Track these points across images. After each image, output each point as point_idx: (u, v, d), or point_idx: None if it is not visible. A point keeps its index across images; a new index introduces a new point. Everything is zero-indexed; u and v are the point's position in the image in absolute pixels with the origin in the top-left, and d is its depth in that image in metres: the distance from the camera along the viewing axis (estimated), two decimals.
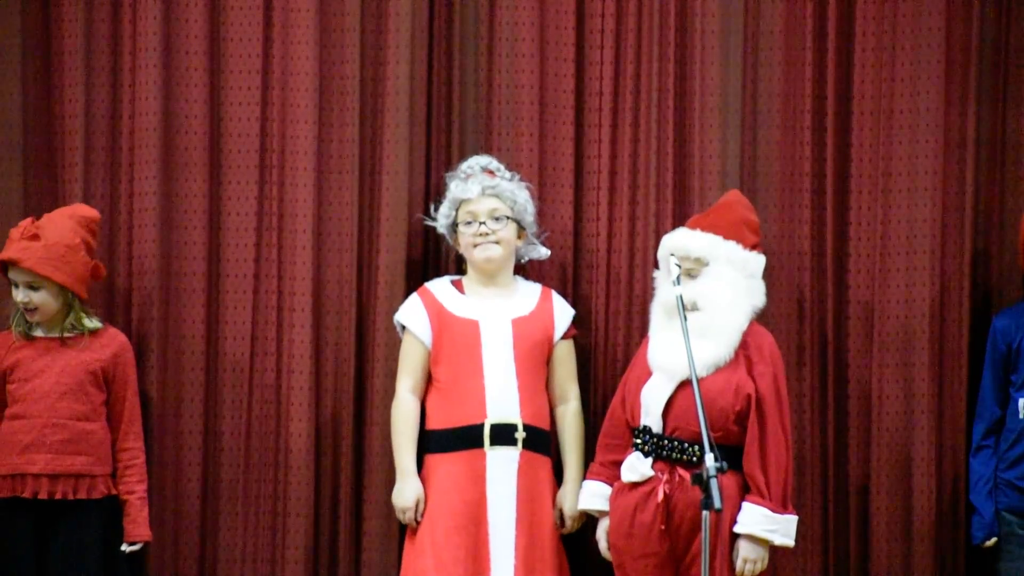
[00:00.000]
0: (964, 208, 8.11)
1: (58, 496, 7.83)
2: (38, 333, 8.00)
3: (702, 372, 7.54)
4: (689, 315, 7.38)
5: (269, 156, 8.34)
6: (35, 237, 7.94)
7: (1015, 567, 7.82)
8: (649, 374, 7.66)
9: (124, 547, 7.93)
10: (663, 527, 7.35)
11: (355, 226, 8.30)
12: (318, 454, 8.28)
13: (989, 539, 7.83)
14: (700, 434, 7.10)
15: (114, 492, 7.93)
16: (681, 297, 7.26)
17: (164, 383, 8.29)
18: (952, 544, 8.04)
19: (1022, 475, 7.80)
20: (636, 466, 7.48)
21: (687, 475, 7.43)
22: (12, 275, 7.97)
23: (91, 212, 8.18)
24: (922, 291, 8.06)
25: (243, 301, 8.31)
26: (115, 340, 8.05)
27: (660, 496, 7.27)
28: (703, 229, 7.68)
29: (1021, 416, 7.83)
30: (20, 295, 7.91)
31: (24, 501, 7.82)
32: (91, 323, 8.03)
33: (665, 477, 7.40)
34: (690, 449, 7.48)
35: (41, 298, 7.91)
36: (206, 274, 8.29)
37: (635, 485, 7.49)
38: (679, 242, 7.73)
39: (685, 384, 7.50)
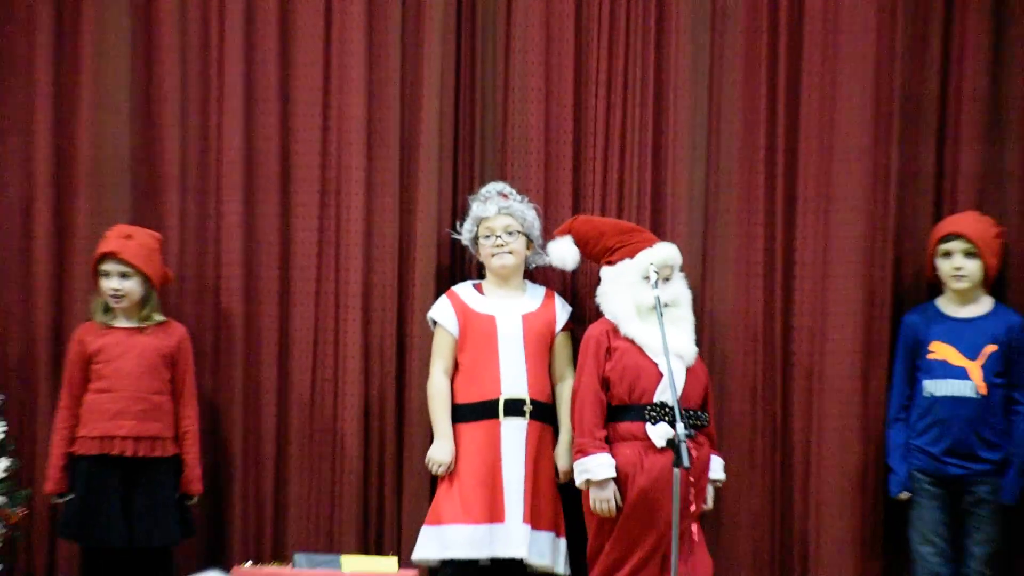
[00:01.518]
0: (887, 228, 8.75)
1: (140, 454, 8.52)
2: (118, 324, 8.64)
3: (694, 356, 8.44)
4: (665, 311, 8.22)
5: (328, 183, 9.04)
6: (129, 237, 8.58)
7: (923, 514, 8.47)
8: (651, 363, 8.26)
9: (183, 497, 8.61)
10: (690, 475, 8.03)
11: (396, 240, 8.96)
12: (367, 424, 8.96)
13: (903, 493, 8.52)
14: (698, 404, 8.35)
15: (178, 452, 8.63)
16: (659, 297, 8.16)
17: (246, 365, 8.98)
18: (874, 496, 8.64)
19: (930, 442, 8.45)
20: (664, 433, 8.15)
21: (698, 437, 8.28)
22: (107, 266, 8.57)
23: (157, 234, 8.76)
24: (855, 293, 8.70)
25: (307, 300, 9.00)
26: (178, 330, 8.76)
27: (684, 462, 7.40)
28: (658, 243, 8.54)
29: (925, 395, 8.48)
30: (113, 283, 8.55)
31: (112, 458, 8.48)
32: (159, 316, 8.71)
33: (690, 437, 7.89)
34: (695, 415, 8.30)
35: (130, 286, 8.55)
36: (279, 278, 8.99)
37: (663, 449, 8.14)
38: (667, 252, 8.44)
39: (688, 368, 8.37)
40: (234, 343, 9.00)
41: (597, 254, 8.63)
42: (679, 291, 8.46)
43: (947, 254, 8.59)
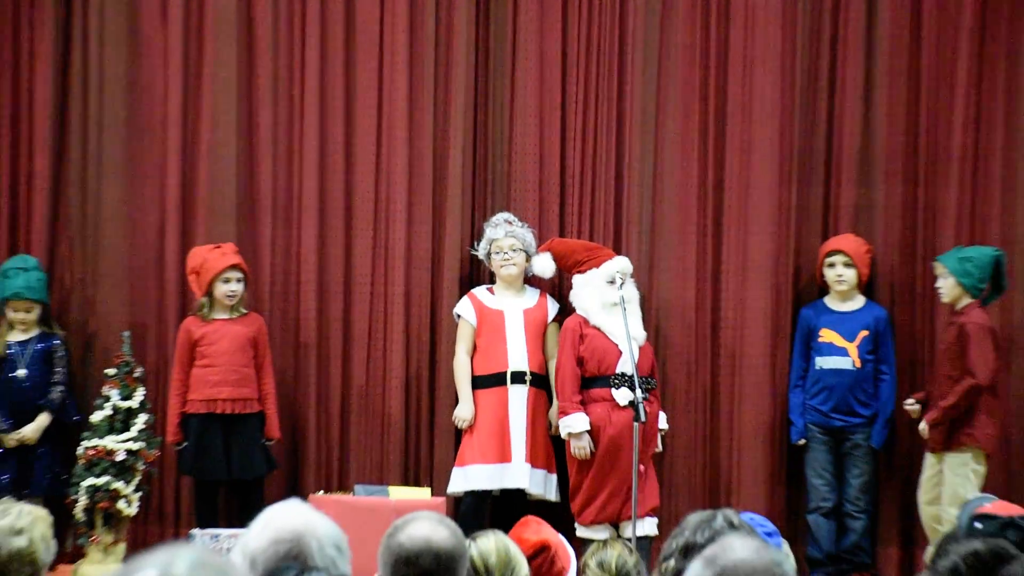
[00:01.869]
0: (788, 246, 9.04)
1: (236, 411, 8.75)
2: (216, 316, 8.78)
3: (643, 338, 8.70)
4: (625, 304, 8.41)
5: (379, 213, 9.21)
6: (237, 252, 8.84)
7: (815, 456, 8.79)
8: (612, 344, 8.51)
9: (265, 441, 8.81)
10: (644, 427, 8.08)
11: (429, 255, 9.15)
12: (407, 391, 9.14)
13: (800, 440, 8.87)
14: (647, 373, 8.60)
15: (262, 408, 8.81)
16: (623, 296, 8.47)
17: (318, 346, 9.18)
18: (780, 442, 8.97)
19: (820, 402, 8.78)
20: (627, 395, 8.39)
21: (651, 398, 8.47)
22: (230, 274, 8.70)
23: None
24: (765, 293, 9.01)
25: (364, 299, 9.19)
26: (257, 319, 8.94)
27: (641, 417, 7.78)
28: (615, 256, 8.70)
29: (817, 368, 8.79)
30: (233, 287, 8.73)
31: (216, 415, 8.72)
32: (243, 310, 8.87)
33: (644, 399, 8.06)
34: (646, 381, 8.49)
35: (241, 289, 8.80)
36: (342, 283, 9.21)
37: (624, 407, 8.39)
38: (623, 263, 8.70)
39: (640, 347, 8.57)
40: (310, 330, 9.16)
41: (570, 266, 8.78)
42: (631, 291, 8.69)
43: (831, 265, 8.82)
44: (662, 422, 8.76)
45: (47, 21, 9.17)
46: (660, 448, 8.80)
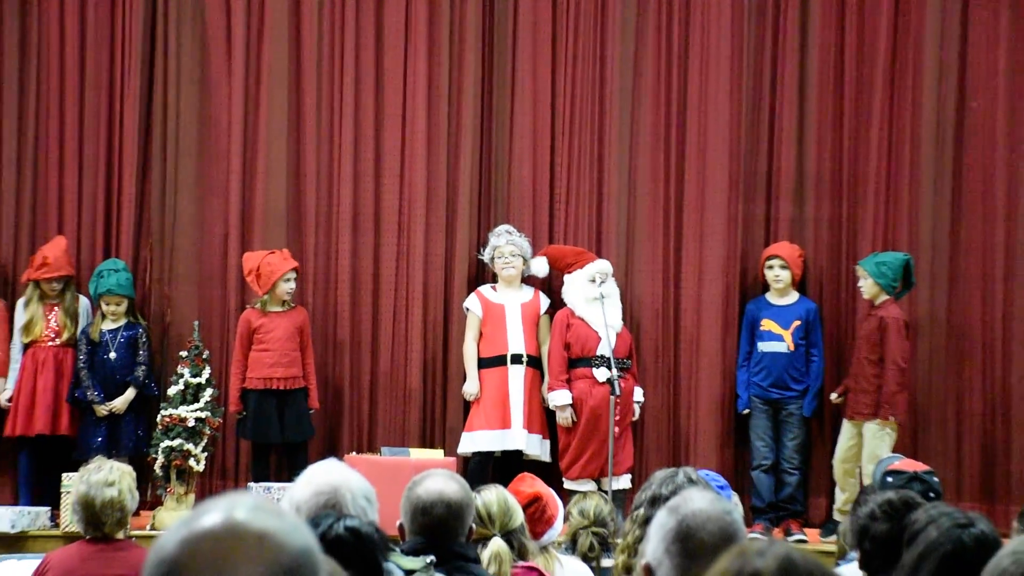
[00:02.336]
0: (736, 251, 9.01)
1: (288, 387, 8.72)
2: (270, 309, 8.73)
3: (620, 325, 8.70)
4: (603, 299, 8.50)
5: (403, 223, 9.18)
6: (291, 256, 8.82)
7: (757, 422, 8.75)
8: (594, 332, 8.50)
9: (308, 410, 8.76)
10: (619, 399, 8.16)
11: (443, 258, 9.13)
12: (424, 370, 9.10)
13: (745, 410, 8.83)
14: (624, 355, 8.63)
15: (305, 384, 8.77)
16: (601, 292, 8.55)
17: (351, 334, 9.13)
18: (729, 412, 8.94)
19: (761, 379, 8.76)
20: (605, 374, 8.38)
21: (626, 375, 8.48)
22: (290, 275, 8.67)
23: None
24: (718, 290, 8.99)
25: (389, 296, 9.15)
26: (303, 311, 8.89)
27: (616, 392, 7.99)
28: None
29: (759, 351, 8.78)
30: (292, 285, 8.72)
31: (271, 391, 8.69)
32: (292, 304, 8.81)
33: (620, 376, 8.26)
34: (621, 362, 8.51)
35: (295, 287, 8.69)
36: (372, 281, 9.16)
37: (602, 383, 8.40)
38: (603, 265, 8.73)
39: (617, 333, 8.59)
40: (344, 320, 9.13)
41: (562, 268, 8.79)
42: (611, 288, 8.68)
43: (770, 267, 8.78)
44: (638, 395, 8.74)
45: (135, 65, 9.14)
46: (636, 417, 8.76)
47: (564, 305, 8.80)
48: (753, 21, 8.98)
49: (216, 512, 2.01)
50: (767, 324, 8.82)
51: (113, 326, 8.83)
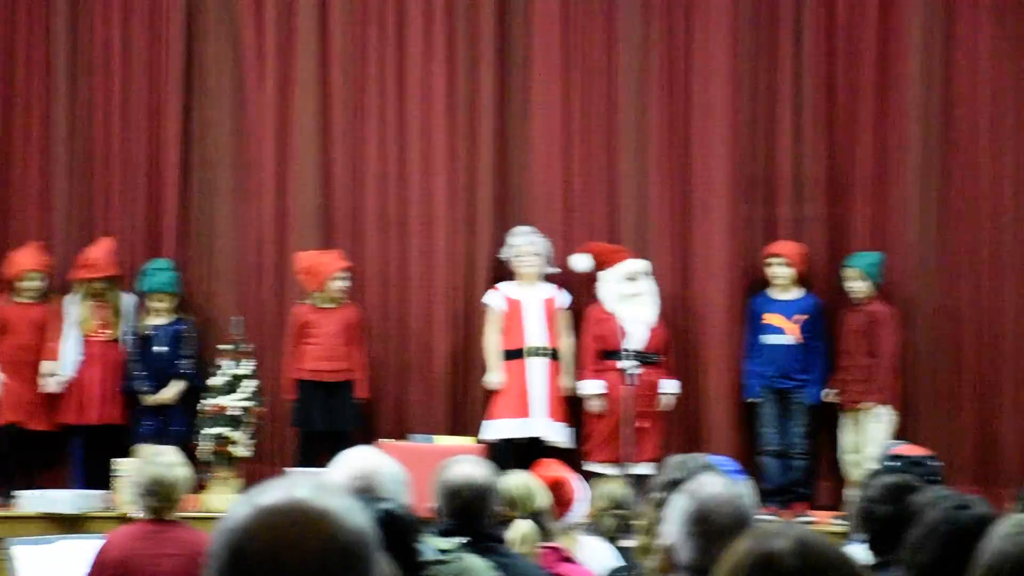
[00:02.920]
0: (742, 250, 8.98)
1: (336, 380, 8.74)
2: (322, 305, 8.69)
3: (655, 321, 8.64)
4: (633, 297, 8.54)
5: (426, 223, 9.11)
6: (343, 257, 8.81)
7: (765, 410, 8.70)
8: (621, 327, 8.45)
9: (356, 400, 8.73)
10: (642, 391, 8.30)
11: (465, 256, 9.13)
12: (451, 361, 9.08)
13: (752, 399, 8.77)
14: (654, 349, 8.62)
15: (351, 377, 8.74)
16: (636, 290, 8.54)
17: (381, 332, 8.99)
18: (738, 400, 8.86)
19: (767, 370, 8.73)
20: (630, 367, 8.38)
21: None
22: (342, 274, 8.69)
23: None
24: (725, 287, 8.97)
25: (415, 292, 9.13)
26: (354, 308, 8.85)
27: (632, 381, 8.17)
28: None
29: (765, 344, 8.73)
30: (343, 283, 8.70)
31: (320, 383, 8.71)
32: (343, 299, 8.79)
33: (643, 370, 8.40)
34: (647, 356, 8.54)
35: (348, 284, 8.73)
36: (398, 278, 9.14)
37: (628, 375, 8.40)
38: (635, 265, 8.67)
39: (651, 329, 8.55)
40: (374, 316, 9.11)
41: (601, 263, 8.74)
42: (645, 286, 8.67)
43: (770, 265, 8.76)
44: (669, 387, 8.70)
45: (175, 81, 9.18)
46: (665, 408, 8.72)
47: (595, 300, 8.86)
48: (749, 33, 8.98)
49: (280, 490, 2.05)
50: (768, 318, 8.78)
51: (160, 322, 8.84)
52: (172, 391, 8.80)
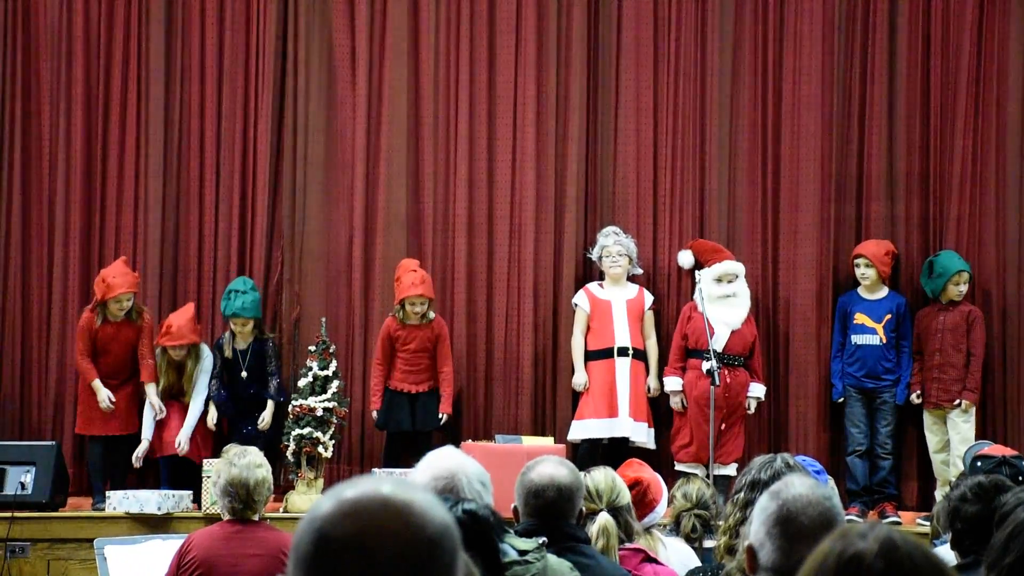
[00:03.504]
0: (829, 249, 8.95)
1: (418, 391, 8.80)
2: (409, 322, 8.71)
3: (739, 324, 8.61)
4: (725, 299, 8.53)
5: (514, 226, 9.17)
6: (425, 281, 8.67)
7: (853, 410, 8.65)
8: (709, 327, 8.37)
9: (442, 416, 8.75)
10: (724, 392, 8.30)
11: (552, 259, 9.13)
12: (535, 363, 9.09)
13: (839, 399, 8.75)
14: (739, 351, 8.50)
15: (434, 387, 8.78)
16: (729, 292, 8.53)
17: (467, 333, 9.13)
18: (824, 400, 8.88)
19: (855, 369, 8.67)
20: (713, 367, 8.20)
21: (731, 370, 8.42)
22: (417, 299, 8.63)
23: None
24: (811, 286, 8.95)
25: (502, 295, 9.18)
26: (440, 323, 8.83)
27: (716, 382, 8.05)
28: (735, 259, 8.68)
29: (853, 344, 8.68)
30: (417, 309, 8.65)
31: (405, 393, 8.77)
32: (432, 316, 8.78)
33: (725, 371, 8.37)
34: (731, 358, 8.50)
35: (426, 308, 8.72)
36: (486, 280, 9.20)
37: (707, 376, 8.27)
38: (729, 266, 8.63)
39: (733, 331, 8.56)
40: (460, 317, 9.16)
41: (702, 261, 8.72)
42: (739, 287, 8.64)
43: (857, 265, 8.74)
44: (755, 391, 8.66)
45: (268, 82, 9.23)
46: (751, 410, 8.67)
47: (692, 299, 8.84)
48: (843, 32, 8.95)
49: (366, 484, 2.06)
50: (860, 318, 8.73)
51: (242, 346, 8.85)
52: (267, 417, 8.82)
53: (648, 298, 8.93)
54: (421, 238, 9.21)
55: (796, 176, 9.00)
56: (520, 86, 9.12)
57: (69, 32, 9.22)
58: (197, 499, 8.41)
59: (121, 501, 8.30)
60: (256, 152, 9.26)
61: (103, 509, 8.34)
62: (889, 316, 8.72)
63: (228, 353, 8.80)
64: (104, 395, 8.67)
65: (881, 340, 8.67)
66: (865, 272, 8.73)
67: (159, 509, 8.28)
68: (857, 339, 8.73)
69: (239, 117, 9.27)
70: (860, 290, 8.83)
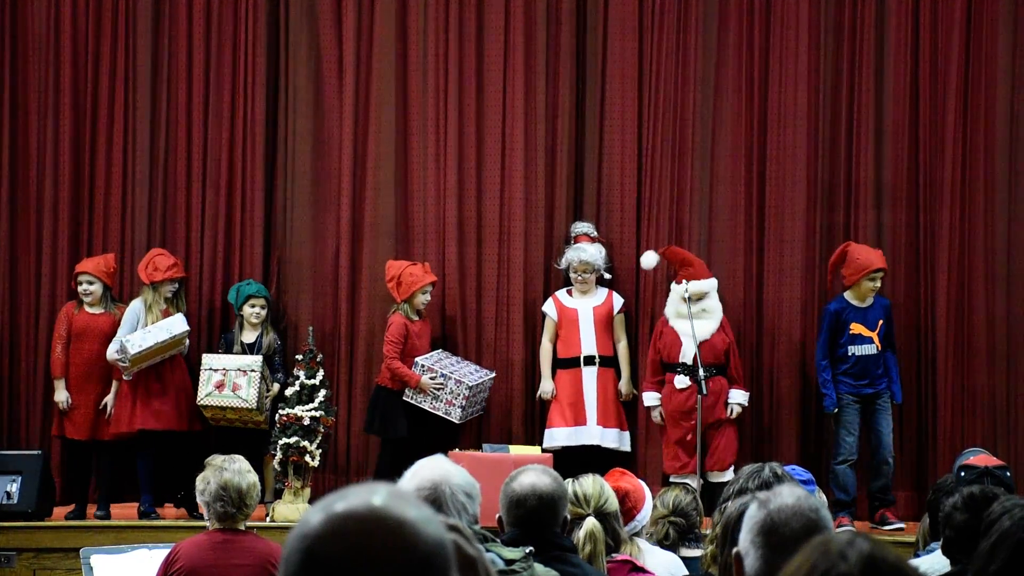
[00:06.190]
0: (816, 258, 8.89)
1: None
2: (414, 317, 8.72)
3: (708, 336, 8.53)
4: (695, 313, 8.42)
5: (502, 235, 9.16)
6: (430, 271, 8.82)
7: (848, 418, 8.52)
8: (679, 341, 8.45)
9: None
10: (695, 405, 8.23)
11: (541, 267, 9.12)
12: (525, 373, 9.06)
13: (834, 409, 8.56)
14: (712, 362, 8.51)
15: None
16: (690, 309, 8.43)
17: (456, 341, 9.11)
18: (808, 408, 8.91)
19: (854, 378, 8.55)
20: (683, 381, 8.39)
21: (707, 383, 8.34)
22: (429, 287, 8.71)
23: None
24: (798, 294, 8.92)
25: (491, 303, 9.15)
26: (428, 320, 8.74)
27: (703, 391, 8.11)
28: (704, 277, 8.62)
29: (851, 354, 8.54)
30: (428, 298, 8.70)
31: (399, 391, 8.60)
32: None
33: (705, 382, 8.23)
34: (707, 369, 8.38)
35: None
36: (475, 288, 9.16)
37: (683, 390, 8.45)
38: (701, 286, 8.56)
39: (702, 343, 8.45)
40: (450, 325, 9.16)
41: (672, 273, 8.74)
42: (708, 303, 8.58)
43: (873, 279, 8.62)
44: (735, 398, 8.62)
45: (257, 93, 9.23)
46: (732, 416, 8.63)
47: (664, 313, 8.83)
48: (830, 37, 8.93)
49: (357, 497, 1.98)
50: (856, 328, 8.63)
51: (251, 338, 8.77)
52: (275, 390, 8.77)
53: (618, 302, 8.91)
54: (409, 247, 9.20)
55: (782, 185, 8.99)
56: (508, 94, 9.13)
57: (57, 40, 9.19)
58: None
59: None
60: (244, 161, 9.23)
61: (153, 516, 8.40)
62: (882, 322, 8.69)
63: (237, 347, 8.72)
64: (63, 396, 8.58)
65: (877, 348, 8.64)
66: (877, 284, 8.67)
67: (147, 518, 8.20)
68: (855, 350, 8.64)
69: (226, 126, 9.23)
70: (850, 299, 8.72)
